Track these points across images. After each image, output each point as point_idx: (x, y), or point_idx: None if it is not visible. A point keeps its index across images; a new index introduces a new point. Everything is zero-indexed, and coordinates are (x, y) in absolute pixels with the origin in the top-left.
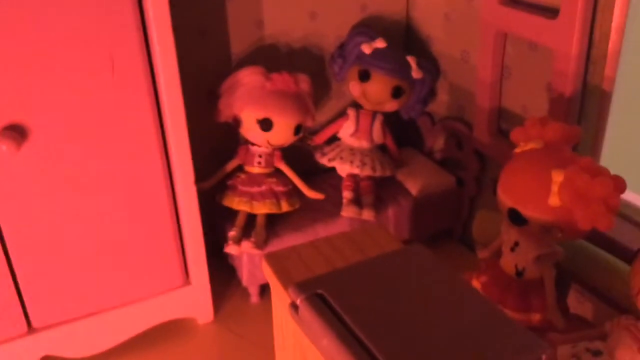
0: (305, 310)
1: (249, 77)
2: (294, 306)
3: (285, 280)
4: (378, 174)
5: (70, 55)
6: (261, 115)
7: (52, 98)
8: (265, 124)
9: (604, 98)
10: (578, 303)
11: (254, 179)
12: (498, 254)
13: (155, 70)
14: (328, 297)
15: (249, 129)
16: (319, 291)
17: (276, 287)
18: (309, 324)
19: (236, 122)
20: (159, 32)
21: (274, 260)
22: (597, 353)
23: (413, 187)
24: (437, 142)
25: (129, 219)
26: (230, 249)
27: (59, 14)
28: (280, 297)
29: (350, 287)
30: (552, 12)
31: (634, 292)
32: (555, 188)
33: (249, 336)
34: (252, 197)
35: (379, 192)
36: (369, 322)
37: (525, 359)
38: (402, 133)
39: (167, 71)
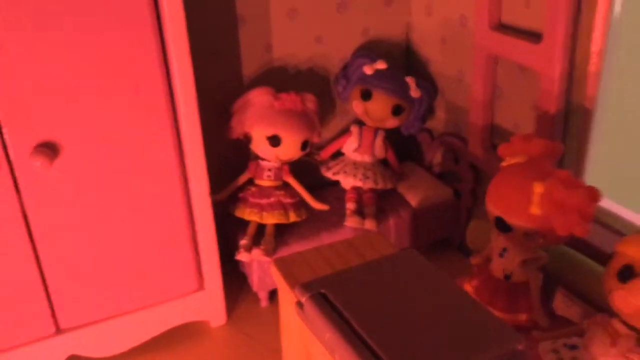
0: (310, 308)
1: (259, 97)
2: (300, 304)
3: (292, 281)
4: (380, 186)
5: (100, 78)
6: (270, 132)
7: (82, 117)
8: (274, 141)
9: (586, 116)
10: (566, 307)
11: (264, 192)
12: (489, 259)
13: (174, 90)
14: (330, 296)
15: (259, 145)
16: (322, 291)
17: (283, 288)
18: (313, 320)
19: (247, 139)
20: (177, 57)
21: (282, 264)
22: (573, 347)
23: (413, 198)
24: (436, 157)
25: (149, 228)
26: (242, 256)
27: (92, 41)
28: (287, 297)
29: (350, 287)
30: (536, 37)
31: (606, 292)
32: (536, 198)
33: (259, 338)
34: (262, 208)
35: (381, 203)
36: (367, 317)
37: (502, 347)
38: (403, 148)
39: (184, 91)
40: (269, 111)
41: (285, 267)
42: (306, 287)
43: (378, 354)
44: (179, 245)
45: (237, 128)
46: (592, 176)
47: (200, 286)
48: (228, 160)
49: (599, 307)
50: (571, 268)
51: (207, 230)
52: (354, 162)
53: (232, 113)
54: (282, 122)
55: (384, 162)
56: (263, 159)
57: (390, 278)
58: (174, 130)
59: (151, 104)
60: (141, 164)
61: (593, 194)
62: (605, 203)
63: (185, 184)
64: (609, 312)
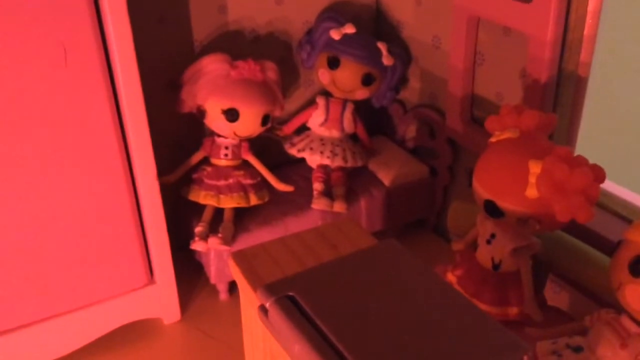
0: (275, 314)
1: (212, 65)
2: (264, 309)
3: (254, 280)
4: (349, 164)
5: (18, 45)
6: (226, 105)
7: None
8: (231, 115)
9: (579, 84)
10: (554, 293)
11: (221, 172)
12: (473, 246)
13: (112, 60)
14: (299, 300)
15: (214, 120)
16: (290, 293)
17: (244, 288)
18: (280, 328)
19: (200, 113)
20: (114, 20)
21: (241, 259)
22: (577, 349)
23: (385, 177)
24: (409, 131)
25: (87, 217)
26: (197, 245)
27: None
28: (249, 299)
29: (323, 288)
30: None
31: (615, 286)
32: (532, 179)
33: (218, 335)
34: (219, 190)
35: (351, 182)
36: (343, 325)
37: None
38: (374, 122)
39: (124, 60)
40: (224, 81)
41: (246, 263)
42: (271, 289)
43: None
44: (123, 235)
45: (188, 101)
46: (583, 151)
47: (150, 280)
48: (179, 138)
49: (592, 296)
50: (564, 255)
51: (155, 218)
52: (320, 137)
53: (182, 84)
54: (239, 93)
55: (353, 137)
56: (219, 136)
57: (369, 276)
58: (114, 106)
59: (84, 76)
60: (75, 146)
61: (599, 174)
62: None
63: (128, 167)
64: (613, 306)
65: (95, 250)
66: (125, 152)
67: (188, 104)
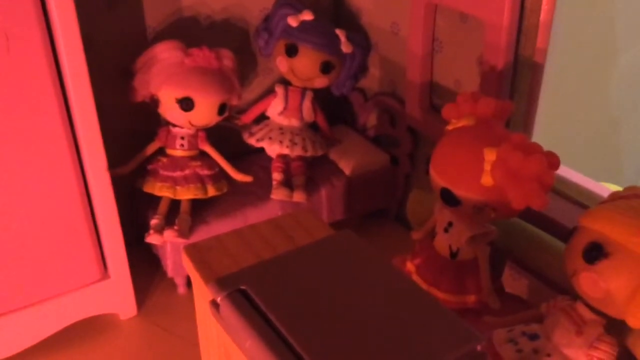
0: (227, 309)
1: (165, 53)
2: (215, 304)
3: (207, 274)
4: (309, 153)
5: None
6: (180, 94)
7: None
8: (186, 104)
9: (536, 71)
10: (513, 280)
11: (177, 163)
12: (432, 235)
13: (57, 48)
14: (252, 294)
15: (168, 109)
16: (242, 287)
17: (197, 282)
18: (231, 323)
19: (154, 102)
20: (59, 4)
21: (194, 252)
22: (534, 337)
23: (346, 166)
24: (370, 119)
25: (34, 210)
26: (152, 238)
27: None
28: (202, 293)
29: (276, 281)
30: None
31: (569, 273)
32: (487, 167)
33: (176, 330)
34: (175, 182)
35: (311, 172)
36: (296, 319)
37: (460, 351)
38: (334, 110)
39: (70, 48)
40: (178, 69)
41: (199, 256)
42: (222, 283)
43: None
44: (74, 229)
45: (141, 90)
46: (541, 138)
47: (104, 275)
48: (133, 128)
49: (551, 283)
50: (521, 241)
51: (107, 210)
52: (279, 126)
53: (134, 72)
54: (194, 82)
55: (313, 126)
56: (174, 125)
57: (324, 268)
58: (60, 95)
59: (27, 65)
60: (20, 137)
61: (553, 160)
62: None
63: (77, 159)
64: (569, 293)
65: (45, 245)
66: (73, 143)
67: (141, 93)
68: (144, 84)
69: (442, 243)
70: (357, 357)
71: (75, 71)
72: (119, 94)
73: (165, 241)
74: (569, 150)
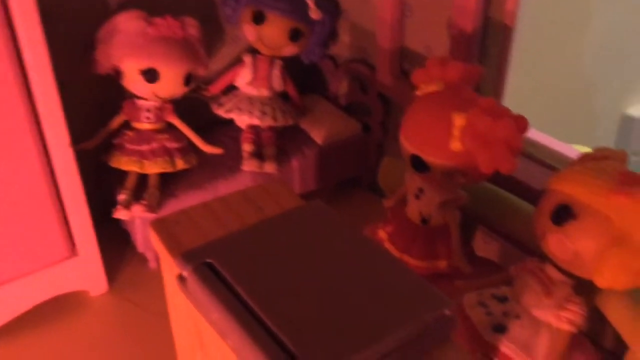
0: (194, 283)
1: (127, 23)
2: (182, 278)
3: (175, 248)
4: (280, 123)
5: None
6: (144, 65)
7: None
8: (150, 75)
9: (506, 34)
10: (484, 244)
11: (143, 136)
12: (403, 202)
13: (13, 18)
14: (218, 266)
15: (132, 81)
16: (209, 260)
17: (165, 257)
18: (198, 297)
19: (117, 74)
20: None
21: (161, 226)
22: (503, 299)
23: (317, 135)
24: (341, 87)
25: None
26: (119, 214)
27: None
28: (170, 268)
29: (244, 253)
30: None
31: (539, 235)
32: (456, 132)
33: (148, 305)
34: (142, 155)
35: (282, 142)
36: (264, 291)
37: (429, 315)
38: (305, 79)
39: (26, 19)
40: (141, 39)
41: (166, 230)
42: (188, 256)
43: (279, 336)
44: (39, 207)
45: (104, 62)
46: (511, 102)
47: (73, 252)
48: (98, 101)
49: (522, 246)
50: (492, 205)
51: (72, 187)
52: (249, 96)
53: (97, 44)
54: (158, 52)
55: (283, 96)
56: (139, 98)
57: (293, 239)
58: (16, 69)
59: None
60: None
61: (522, 124)
62: (529, 132)
63: (39, 135)
64: (538, 255)
65: (10, 223)
66: (34, 119)
67: (104, 65)
68: (106, 56)
69: (414, 210)
70: (325, 326)
71: (32, 44)
72: (81, 67)
73: (134, 216)
74: (542, 115)
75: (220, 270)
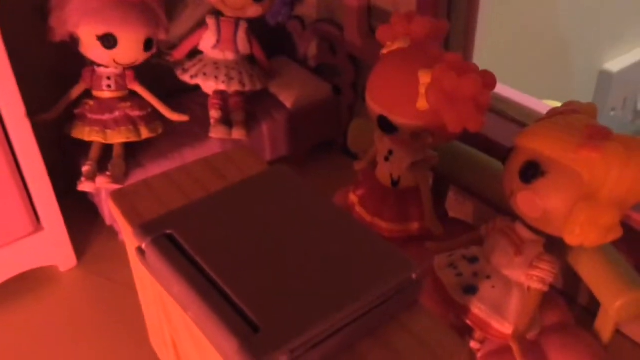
0: (153, 255)
1: None
2: (141, 251)
3: (135, 220)
4: (247, 88)
5: None
6: (101, 30)
7: None
8: (108, 41)
9: None
10: (457, 204)
11: (105, 105)
12: (374, 164)
13: None
14: (178, 237)
15: (90, 48)
16: (168, 231)
17: (126, 229)
18: (158, 269)
19: (74, 41)
20: None
21: (121, 197)
22: (473, 260)
23: (287, 99)
24: (310, 48)
25: None
26: (84, 186)
27: None
28: (132, 240)
29: (205, 223)
30: None
31: (508, 194)
32: (422, 90)
33: (118, 277)
34: (104, 125)
35: (251, 107)
36: (225, 261)
37: (395, 280)
38: (272, 41)
39: None
40: (96, 4)
41: (126, 202)
42: (146, 228)
43: (241, 308)
44: None
45: (59, 28)
46: (480, 57)
47: (37, 227)
48: (57, 70)
49: (494, 205)
50: (463, 165)
51: (31, 160)
52: (214, 61)
53: (50, 9)
54: (114, 16)
55: (250, 59)
56: (99, 65)
57: (255, 207)
58: None
59: None
60: None
61: (489, 80)
62: (498, 88)
63: None
64: (509, 214)
65: None
66: None
67: (59, 32)
68: (61, 22)
69: (384, 172)
70: (288, 295)
71: None
72: (35, 35)
73: (99, 188)
74: (517, 72)
75: (180, 241)
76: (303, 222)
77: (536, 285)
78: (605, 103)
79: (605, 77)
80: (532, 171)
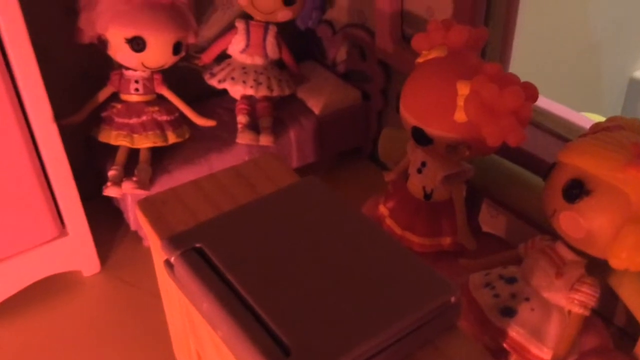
0: (182, 269)
1: None
2: (169, 264)
3: (163, 230)
4: (275, 93)
5: None
6: (130, 33)
7: None
8: (137, 44)
9: None
10: (490, 217)
11: (133, 109)
12: (405, 175)
13: None
14: (208, 252)
15: (118, 51)
16: (197, 245)
17: (153, 239)
18: (187, 285)
19: (102, 44)
20: None
21: (148, 206)
22: (511, 280)
23: (315, 105)
24: (340, 54)
25: None
26: (109, 191)
27: None
28: (159, 250)
29: (235, 236)
30: None
31: (549, 213)
32: (460, 102)
33: (142, 284)
34: (131, 129)
35: (278, 113)
36: (256, 278)
37: (432, 304)
38: (301, 45)
39: None
40: (125, 6)
41: (154, 210)
42: (176, 241)
43: (272, 328)
44: (24, 186)
45: (88, 30)
46: (518, 68)
47: (62, 231)
48: (85, 73)
49: (528, 219)
50: (498, 179)
51: (58, 164)
52: (242, 65)
53: (79, 11)
54: (144, 19)
55: (279, 64)
56: (127, 68)
57: (286, 220)
58: None
59: None
60: None
61: (531, 92)
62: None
63: (20, 111)
64: (548, 232)
65: None
66: (15, 94)
67: (88, 34)
68: (90, 24)
69: (416, 184)
70: (321, 317)
71: (7, 13)
72: (64, 37)
73: (125, 193)
74: (547, 80)
75: (210, 255)
76: (337, 238)
77: (577, 310)
78: (636, 111)
79: (635, 85)
80: (576, 190)
